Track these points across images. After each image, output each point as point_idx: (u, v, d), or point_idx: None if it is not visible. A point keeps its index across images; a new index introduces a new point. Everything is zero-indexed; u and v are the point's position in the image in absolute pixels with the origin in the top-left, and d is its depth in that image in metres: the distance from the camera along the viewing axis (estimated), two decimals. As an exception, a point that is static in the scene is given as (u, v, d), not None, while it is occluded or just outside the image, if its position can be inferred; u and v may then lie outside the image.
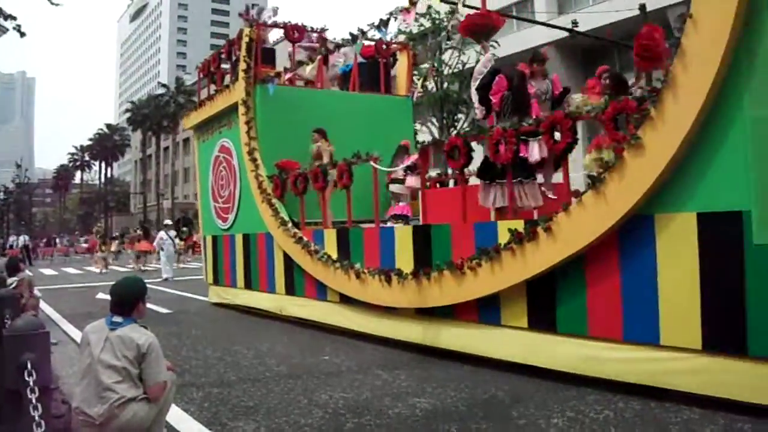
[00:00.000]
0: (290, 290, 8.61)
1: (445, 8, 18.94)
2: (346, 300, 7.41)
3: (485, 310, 5.69)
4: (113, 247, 26.37)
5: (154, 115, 59.89)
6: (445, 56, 23.16)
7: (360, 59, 10.47)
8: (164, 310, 10.31)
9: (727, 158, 4.08)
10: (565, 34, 17.01)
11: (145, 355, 3.14)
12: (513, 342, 5.44)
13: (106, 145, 76.31)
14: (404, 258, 6.52)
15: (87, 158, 79.96)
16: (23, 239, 32.04)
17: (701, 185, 4.20)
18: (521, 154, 5.84)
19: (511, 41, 26.41)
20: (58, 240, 44.70)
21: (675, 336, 4.32)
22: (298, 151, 8.76)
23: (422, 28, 22.37)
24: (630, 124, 4.50)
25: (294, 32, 9.82)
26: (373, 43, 10.23)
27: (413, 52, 11.57)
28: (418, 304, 6.27)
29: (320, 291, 7.91)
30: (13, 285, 7.28)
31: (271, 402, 4.74)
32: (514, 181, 5.95)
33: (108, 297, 3.38)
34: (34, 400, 3.15)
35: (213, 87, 10.88)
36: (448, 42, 22.32)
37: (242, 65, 9.41)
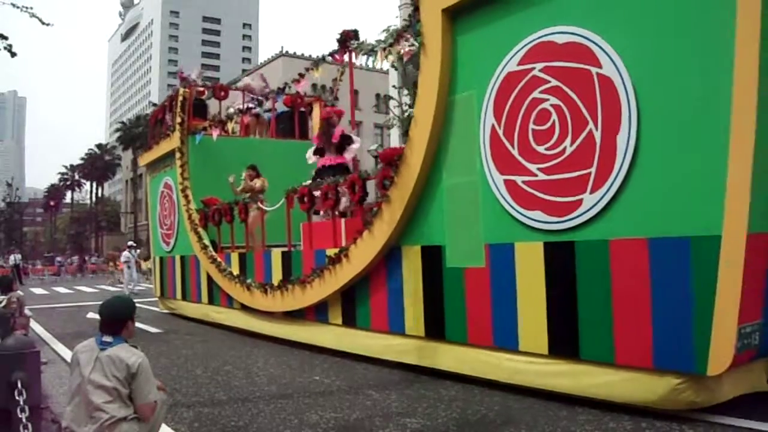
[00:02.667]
0: (210, 300, 10.79)
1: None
2: (244, 307, 9.38)
3: (320, 312, 7.69)
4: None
5: (144, 135, 60.10)
6: None
7: (284, 108, 12.66)
8: (154, 330, 10.42)
9: (435, 211, 5.96)
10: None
11: (135, 375, 3.12)
12: (334, 334, 7.46)
13: (96, 165, 76.14)
14: (276, 274, 8.53)
15: (78, 177, 79.69)
16: (14, 258, 31.95)
17: (423, 228, 6.12)
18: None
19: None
20: (59, 259, 44.74)
21: (411, 328, 6.29)
22: (223, 189, 10.46)
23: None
24: (383, 187, 6.41)
25: (221, 92, 12.26)
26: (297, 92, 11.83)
27: (325, 103, 13.16)
28: (283, 308, 8.31)
29: (228, 300, 9.95)
30: (3, 303, 7.38)
31: (261, 422, 4.73)
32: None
33: (97, 317, 3.38)
34: (24, 420, 3.15)
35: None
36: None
37: (177, 119, 11.73)
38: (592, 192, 4.55)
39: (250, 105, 11.94)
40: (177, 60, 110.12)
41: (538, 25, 4.96)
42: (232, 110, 12.48)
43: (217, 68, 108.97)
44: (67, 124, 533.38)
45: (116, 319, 3.27)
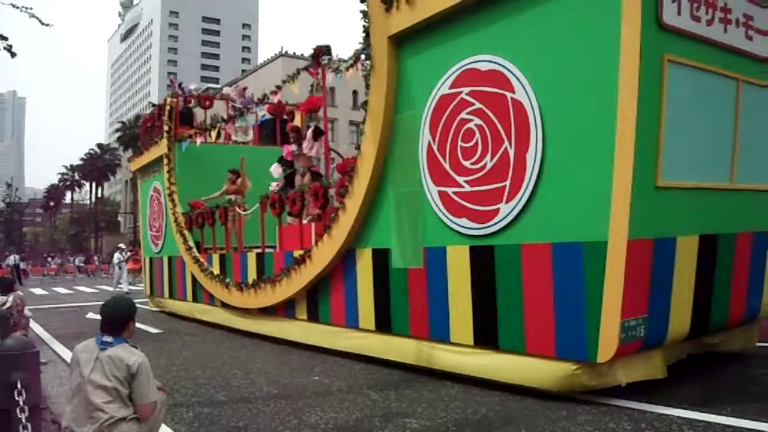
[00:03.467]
0: (195, 298, 11.52)
1: None
2: (224, 304, 10.11)
3: (288, 309, 8.40)
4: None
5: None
6: None
7: (267, 116, 13.48)
8: (154, 330, 10.58)
9: (383, 217, 6.64)
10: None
11: (135, 375, 3.13)
12: (301, 329, 8.19)
13: (96, 165, 76.85)
14: (251, 274, 9.22)
15: (77, 178, 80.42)
16: (14, 258, 32.56)
17: (373, 232, 6.79)
18: None
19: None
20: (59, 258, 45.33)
21: (364, 323, 6.98)
22: (207, 192, 11.27)
23: None
24: (340, 195, 7.15)
25: (205, 101, 13.40)
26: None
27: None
28: (256, 305, 9.00)
29: (210, 298, 10.67)
30: (8, 304, 7.52)
31: (260, 422, 4.75)
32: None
33: (97, 317, 3.41)
34: (23, 420, 3.16)
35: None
36: None
37: (165, 127, 12.52)
38: (507, 202, 5.18)
39: (232, 114, 12.61)
40: (177, 60, 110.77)
41: (465, 53, 5.59)
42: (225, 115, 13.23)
43: (216, 68, 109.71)
44: (67, 125, 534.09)
45: (117, 319, 3.27)
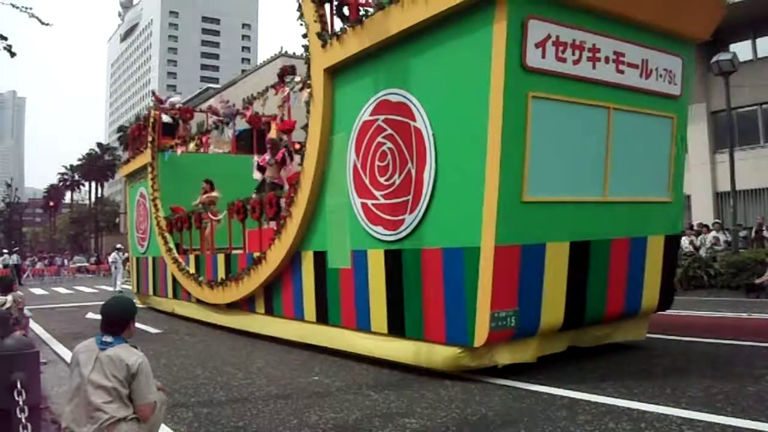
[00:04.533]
0: (175, 295, 12.75)
1: None
2: (198, 300, 11.26)
3: (250, 304, 9.49)
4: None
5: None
6: None
7: (245, 126, 14.55)
8: (154, 330, 10.83)
9: (321, 224, 7.69)
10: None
11: (135, 375, 3.15)
12: (259, 322, 9.27)
13: (96, 165, 78.00)
14: (221, 273, 10.41)
15: (77, 178, 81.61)
16: (14, 258, 32.96)
17: (314, 237, 7.87)
18: None
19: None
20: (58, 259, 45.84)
21: (307, 315, 8.10)
22: (188, 198, 12.30)
23: None
24: (288, 205, 8.20)
25: (186, 113, 14.75)
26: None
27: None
28: (224, 301, 10.16)
29: (188, 295, 11.83)
30: (8, 305, 7.64)
31: (260, 422, 4.81)
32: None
33: (97, 317, 3.41)
34: (23, 420, 3.17)
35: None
36: None
37: (149, 138, 13.86)
38: (410, 213, 6.21)
39: (211, 126, 13.67)
40: (176, 60, 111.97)
41: (381, 86, 6.63)
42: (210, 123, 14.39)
43: (216, 68, 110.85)
44: (66, 124, 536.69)
45: (118, 319, 3.30)
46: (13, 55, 7.75)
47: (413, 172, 6.20)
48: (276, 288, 8.80)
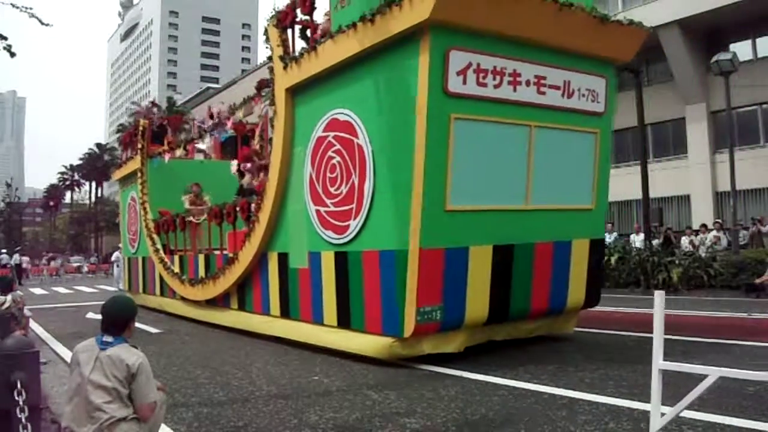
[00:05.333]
0: (162, 293, 13.81)
1: None
2: (182, 297, 12.25)
3: (225, 300, 10.55)
4: None
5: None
6: None
7: (230, 133, 15.24)
8: (154, 330, 11.00)
9: (284, 228, 8.63)
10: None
11: (135, 375, 3.18)
12: (233, 316, 10.30)
13: (96, 165, 78.80)
14: (201, 272, 11.45)
15: (77, 177, 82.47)
16: (15, 258, 33.53)
17: (278, 239, 8.80)
18: None
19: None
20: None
21: (273, 310, 9.08)
22: (175, 202, 13.17)
23: None
24: (256, 210, 9.14)
25: (174, 121, 16.37)
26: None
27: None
28: (203, 297, 11.19)
29: (173, 293, 12.81)
30: (8, 305, 7.72)
31: (260, 422, 4.84)
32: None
33: (97, 317, 3.65)
34: (23, 420, 3.18)
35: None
36: None
37: (139, 145, 15.02)
38: (354, 219, 7.10)
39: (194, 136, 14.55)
40: (176, 60, 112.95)
41: (332, 106, 7.52)
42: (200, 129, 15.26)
43: (216, 68, 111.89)
44: (66, 124, 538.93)
45: (118, 319, 3.33)
46: (13, 55, 7.78)
47: (356, 183, 7.09)
48: (247, 285, 9.73)
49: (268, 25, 8.84)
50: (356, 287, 7.15)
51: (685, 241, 17.60)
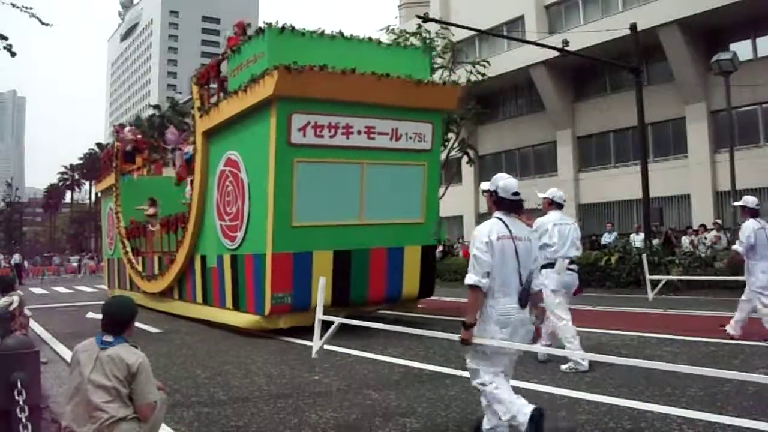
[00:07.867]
0: (131, 288, 16.77)
1: (435, 27, 21.72)
2: (144, 291, 15.14)
3: (170, 292, 13.63)
4: None
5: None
6: (436, 76, 21.99)
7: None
8: (154, 330, 11.42)
9: (204, 237, 11.89)
10: (556, 53, 19.22)
11: (135, 375, 3.23)
12: (176, 305, 13.32)
13: (96, 165, 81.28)
14: (156, 270, 14.66)
15: (77, 177, 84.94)
16: (15, 257, 35.88)
17: (200, 245, 12.06)
18: None
19: (502, 60, 27.93)
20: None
21: (198, 299, 12.45)
22: (142, 212, 16.23)
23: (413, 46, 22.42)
24: (188, 222, 11.92)
25: (142, 144, 19.31)
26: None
27: None
28: (156, 290, 14.28)
29: (138, 288, 15.78)
30: (9, 304, 7.66)
31: (260, 422, 4.92)
32: None
33: (98, 316, 3.51)
34: (24, 420, 3.29)
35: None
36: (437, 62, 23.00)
37: (114, 164, 18.33)
38: (239, 231, 10.33)
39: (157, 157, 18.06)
40: (176, 60, 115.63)
41: (227, 147, 10.77)
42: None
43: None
44: (66, 124, 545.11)
45: (119, 318, 3.40)
46: (13, 54, 8.02)
47: (240, 205, 10.34)
48: (183, 280, 12.99)
49: (191, 83, 12.07)
50: (242, 280, 10.38)
51: (685, 240, 17.94)
